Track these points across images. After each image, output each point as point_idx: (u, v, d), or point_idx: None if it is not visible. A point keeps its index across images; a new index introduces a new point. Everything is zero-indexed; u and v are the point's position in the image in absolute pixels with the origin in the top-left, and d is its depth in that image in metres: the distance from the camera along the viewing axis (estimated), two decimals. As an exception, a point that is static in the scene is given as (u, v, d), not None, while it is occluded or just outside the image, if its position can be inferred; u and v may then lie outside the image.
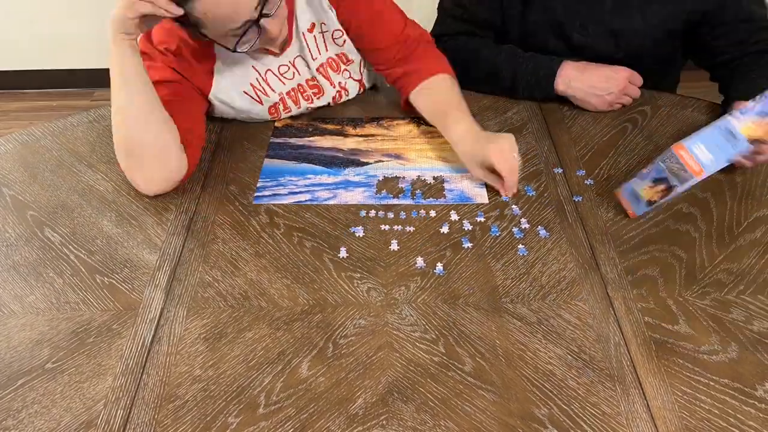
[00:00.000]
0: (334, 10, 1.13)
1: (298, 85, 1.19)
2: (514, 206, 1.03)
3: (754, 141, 0.91)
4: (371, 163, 1.12)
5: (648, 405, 0.76)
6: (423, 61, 1.18)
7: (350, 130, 1.19)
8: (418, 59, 1.17)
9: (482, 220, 1.00)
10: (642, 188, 0.96)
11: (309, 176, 1.09)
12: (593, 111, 1.21)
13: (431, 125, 1.17)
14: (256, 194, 1.05)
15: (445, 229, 0.99)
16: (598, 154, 1.13)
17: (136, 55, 0.98)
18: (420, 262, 0.94)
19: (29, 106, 2.67)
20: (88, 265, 0.94)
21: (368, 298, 0.89)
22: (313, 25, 1.15)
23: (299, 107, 1.22)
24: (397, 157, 1.13)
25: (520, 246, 0.96)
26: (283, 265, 0.94)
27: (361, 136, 1.18)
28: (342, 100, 1.26)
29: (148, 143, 1.01)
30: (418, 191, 1.06)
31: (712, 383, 0.78)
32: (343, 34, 1.17)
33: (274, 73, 1.16)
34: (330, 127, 1.20)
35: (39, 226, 1.00)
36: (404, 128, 1.20)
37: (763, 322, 0.85)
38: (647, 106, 1.23)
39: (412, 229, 0.99)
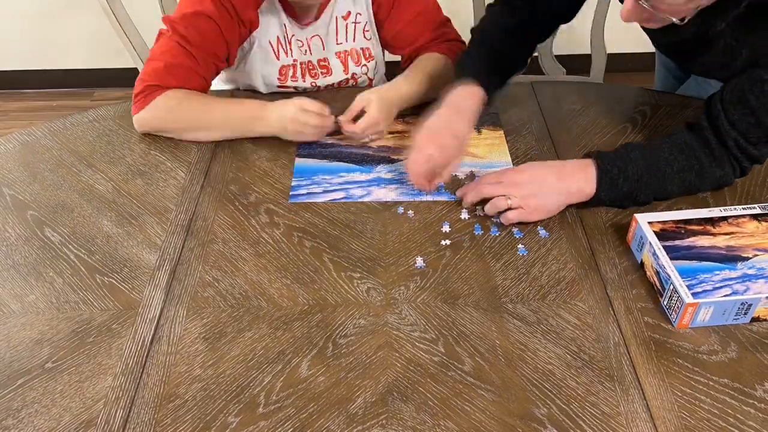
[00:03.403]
0: (371, 5, 1.20)
1: (308, 62, 1.24)
2: None
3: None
4: (401, 160, 1.12)
5: (647, 405, 0.76)
6: (437, 45, 1.24)
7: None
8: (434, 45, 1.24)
9: (482, 218, 1.01)
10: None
11: (342, 174, 1.09)
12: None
13: None
14: (291, 193, 1.05)
15: (446, 228, 0.99)
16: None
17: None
18: (420, 261, 0.94)
19: (29, 106, 2.67)
20: (88, 264, 0.94)
21: (368, 297, 0.89)
22: (349, 13, 1.21)
23: (304, 81, 1.26)
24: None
25: (520, 246, 0.96)
26: (283, 264, 0.94)
27: (390, 133, 1.18)
28: (346, 86, 1.31)
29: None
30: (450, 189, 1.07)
31: (711, 383, 0.78)
32: (372, 32, 1.23)
33: (298, 42, 1.22)
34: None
35: (39, 226, 1.01)
36: None
37: (763, 322, 0.85)
38: (647, 106, 1.23)
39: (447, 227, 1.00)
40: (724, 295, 0.82)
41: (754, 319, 0.85)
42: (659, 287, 0.87)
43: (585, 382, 0.78)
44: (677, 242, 0.89)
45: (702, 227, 0.91)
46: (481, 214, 1.01)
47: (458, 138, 1.04)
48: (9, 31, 2.56)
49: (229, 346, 0.83)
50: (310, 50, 1.23)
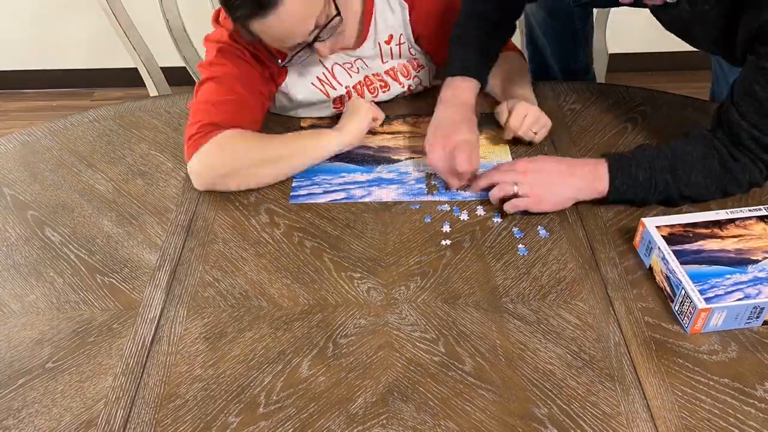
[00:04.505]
0: (410, 23, 1.17)
1: (365, 77, 1.20)
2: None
3: None
4: (402, 160, 1.12)
5: (648, 405, 0.76)
6: None
7: (377, 127, 1.19)
8: None
9: (482, 213, 1.01)
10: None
11: (343, 175, 1.09)
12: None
13: None
14: (292, 194, 1.05)
15: (446, 228, 0.99)
16: (598, 155, 1.12)
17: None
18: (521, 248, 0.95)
19: (29, 106, 2.67)
20: (88, 264, 0.94)
21: (368, 297, 0.89)
22: (391, 37, 1.17)
23: (364, 98, 1.22)
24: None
25: (520, 246, 0.96)
26: (283, 264, 0.94)
27: (389, 133, 1.18)
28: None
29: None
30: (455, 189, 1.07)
31: (712, 383, 0.78)
32: (416, 49, 1.20)
33: (340, 65, 1.18)
34: None
35: (39, 226, 1.01)
36: None
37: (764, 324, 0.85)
38: (647, 106, 1.23)
39: (465, 216, 1.01)
40: (737, 300, 0.81)
41: (766, 323, 0.84)
42: (669, 292, 0.87)
43: (585, 382, 0.78)
44: (686, 246, 0.88)
45: (710, 230, 0.91)
46: (482, 214, 1.01)
47: (471, 129, 1.07)
48: (9, 31, 2.56)
49: (229, 346, 0.83)
50: (365, 64, 1.19)
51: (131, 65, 1.48)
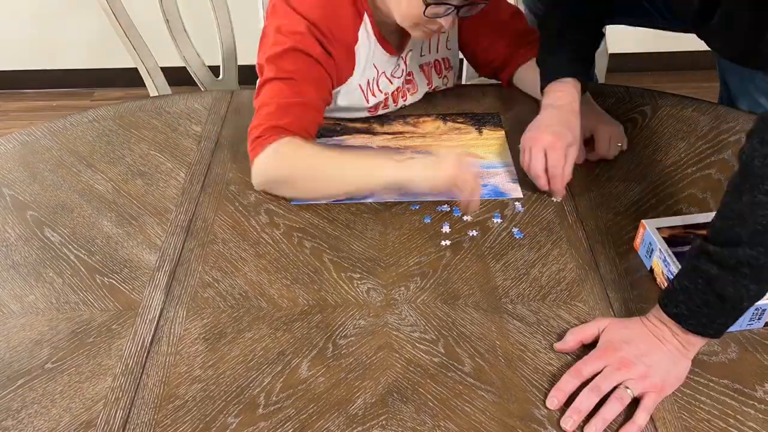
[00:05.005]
0: None
1: (397, 88, 1.19)
2: (517, 203, 1.03)
3: None
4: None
5: (648, 406, 0.76)
6: (527, 47, 1.21)
7: (378, 127, 1.19)
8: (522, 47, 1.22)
9: (482, 214, 1.01)
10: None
11: None
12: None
13: (458, 122, 1.19)
14: None
15: (446, 229, 0.99)
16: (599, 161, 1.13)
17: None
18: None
19: (29, 106, 2.67)
20: (87, 265, 0.94)
21: (368, 298, 0.89)
22: None
23: (396, 104, 1.22)
24: (428, 154, 1.13)
25: (520, 246, 0.96)
26: (283, 265, 0.94)
27: (390, 133, 1.18)
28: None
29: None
30: None
31: (711, 384, 0.78)
32: (453, 41, 1.20)
33: (386, 77, 1.16)
34: (358, 125, 1.20)
35: (39, 226, 1.00)
36: (431, 125, 1.20)
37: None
38: (647, 106, 1.23)
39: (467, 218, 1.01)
40: None
41: (767, 324, 0.84)
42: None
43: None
44: (687, 248, 0.87)
45: None
46: (482, 215, 1.01)
47: (573, 133, 1.02)
48: (9, 31, 2.56)
49: (229, 346, 0.83)
50: (406, 65, 1.17)
51: (131, 65, 1.48)
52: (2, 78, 2.70)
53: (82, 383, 0.79)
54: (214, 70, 1.55)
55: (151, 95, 1.51)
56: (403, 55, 1.16)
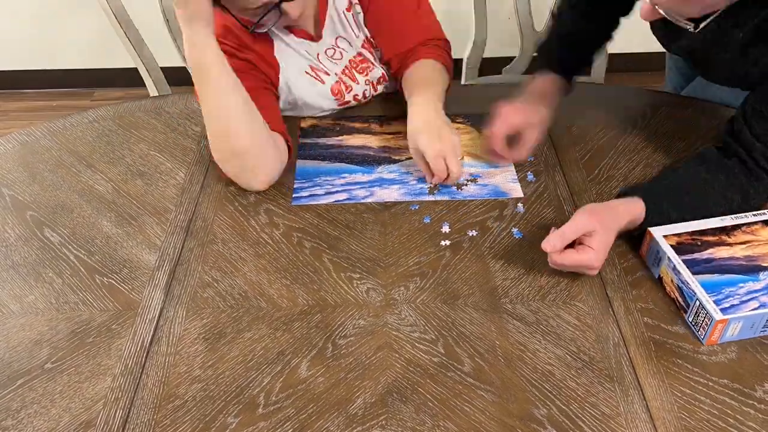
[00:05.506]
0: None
1: (349, 61, 1.19)
2: (519, 204, 1.03)
3: None
4: (402, 160, 1.12)
5: (647, 405, 0.76)
6: (422, 49, 1.18)
7: (377, 127, 1.19)
8: (418, 48, 1.19)
9: (482, 219, 1.01)
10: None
11: (344, 175, 1.09)
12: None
13: (458, 122, 1.19)
14: (294, 195, 1.05)
15: (445, 229, 0.99)
16: (598, 155, 1.13)
17: (218, 48, 0.98)
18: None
19: (29, 106, 2.67)
20: (87, 265, 0.94)
21: (367, 298, 0.89)
22: (351, 4, 1.16)
23: (357, 82, 1.20)
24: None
25: (520, 246, 0.96)
26: (283, 265, 0.94)
27: (389, 133, 1.18)
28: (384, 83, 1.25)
29: (252, 143, 1.02)
30: (453, 187, 1.06)
31: (711, 384, 0.78)
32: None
33: (325, 55, 1.18)
34: (357, 125, 1.20)
35: (38, 226, 1.00)
36: None
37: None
38: (647, 106, 1.23)
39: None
40: (753, 309, 0.80)
41: None
42: (682, 303, 0.85)
43: (585, 383, 0.78)
44: (695, 255, 0.87)
45: (717, 237, 0.90)
46: (482, 215, 1.01)
47: (541, 117, 1.08)
48: (9, 31, 2.56)
49: (228, 346, 0.83)
50: (344, 50, 1.18)
51: (131, 65, 1.48)
52: (2, 78, 2.70)
53: (81, 383, 0.79)
54: (214, 70, 1.54)
55: (151, 95, 1.51)
56: (333, 40, 1.17)
